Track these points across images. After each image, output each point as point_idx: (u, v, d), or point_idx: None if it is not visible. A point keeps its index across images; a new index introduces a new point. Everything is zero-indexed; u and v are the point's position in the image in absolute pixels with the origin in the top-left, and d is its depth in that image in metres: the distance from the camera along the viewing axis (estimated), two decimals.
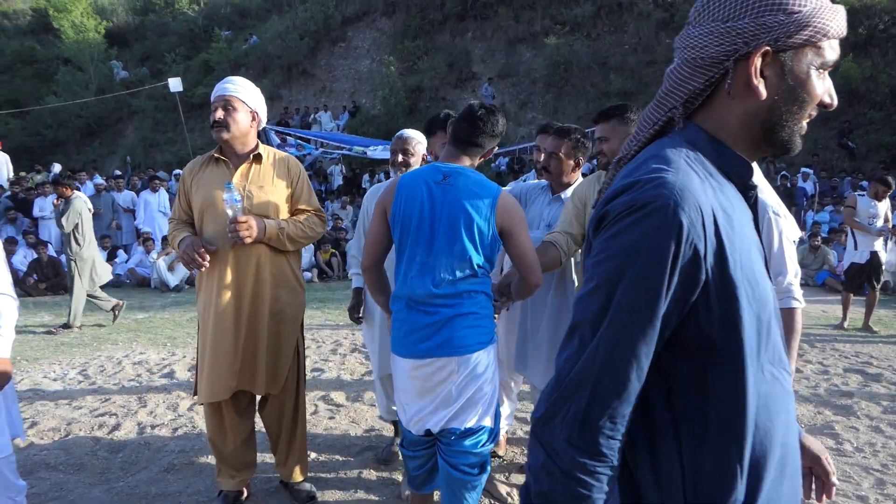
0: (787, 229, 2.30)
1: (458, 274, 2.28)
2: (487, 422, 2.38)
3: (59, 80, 25.93)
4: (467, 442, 2.34)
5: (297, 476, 3.14)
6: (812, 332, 6.96)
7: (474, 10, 22.12)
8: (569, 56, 19.92)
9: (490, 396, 2.37)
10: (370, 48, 23.81)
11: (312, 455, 3.58)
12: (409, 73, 21.95)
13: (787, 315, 2.25)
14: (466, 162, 2.41)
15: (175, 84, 13.69)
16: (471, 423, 2.33)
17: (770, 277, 2.14)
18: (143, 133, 25.19)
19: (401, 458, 3.40)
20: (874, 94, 16.33)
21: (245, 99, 2.83)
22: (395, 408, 3.62)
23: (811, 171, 14.50)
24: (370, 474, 3.43)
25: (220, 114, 2.78)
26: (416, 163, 3.18)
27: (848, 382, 5.13)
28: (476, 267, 2.30)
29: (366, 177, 17.66)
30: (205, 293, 2.86)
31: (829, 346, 6.34)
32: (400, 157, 3.18)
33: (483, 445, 2.38)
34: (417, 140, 3.21)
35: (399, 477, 3.33)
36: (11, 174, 14.16)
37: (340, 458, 3.63)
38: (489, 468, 2.44)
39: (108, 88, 25.53)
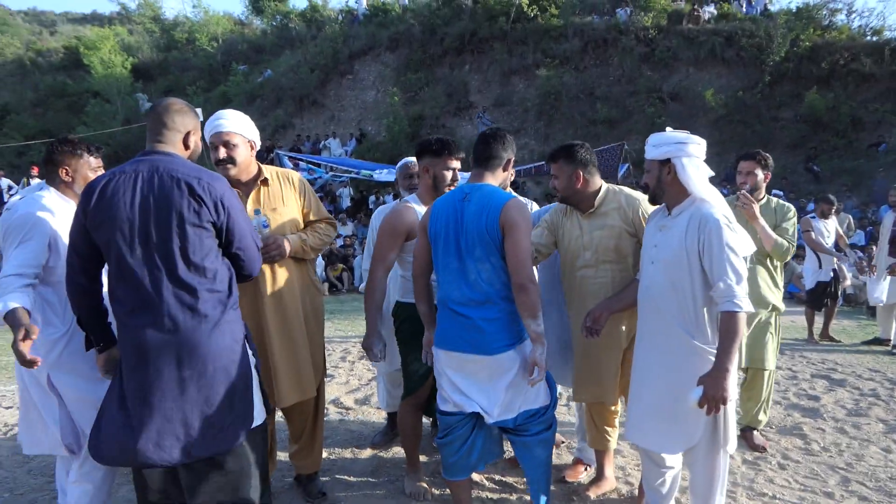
0: (734, 241, 2.33)
1: (485, 275, 2.45)
2: (541, 402, 2.57)
3: (89, 111, 26.06)
4: (526, 421, 2.55)
5: (313, 467, 3.16)
6: (781, 341, 6.98)
7: (471, 44, 22.31)
8: (559, 87, 20.07)
9: (530, 386, 2.49)
10: (375, 80, 23.99)
11: (324, 455, 3.60)
12: (411, 103, 22.10)
13: (728, 318, 2.27)
14: (488, 177, 2.59)
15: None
16: (525, 407, 2.53)
17: (711, 280, 2.28)
18: None
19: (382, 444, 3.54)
20: (837, 122, 16.51)
21: (240, 131, 2.75)
22: (395, 400, 3.78)
23: (781, 193, 14.59)
24: (378, 473, 3.46)
25: (222, 153, 2.72)
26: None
27: (815, 387, 5.16)
28: (494, 266, 2.46)
29: (372, 198, 17.74)
30: (247, 308, 2.80)
31: (798, 354, 6.38)
32: (415, 181, 3.49)
33: (543, 416, 2.59)
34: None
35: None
36: None
37: (350, 458, 3.67)
38: (555, 425, 2.66)
39: (134, 119, 25.64)
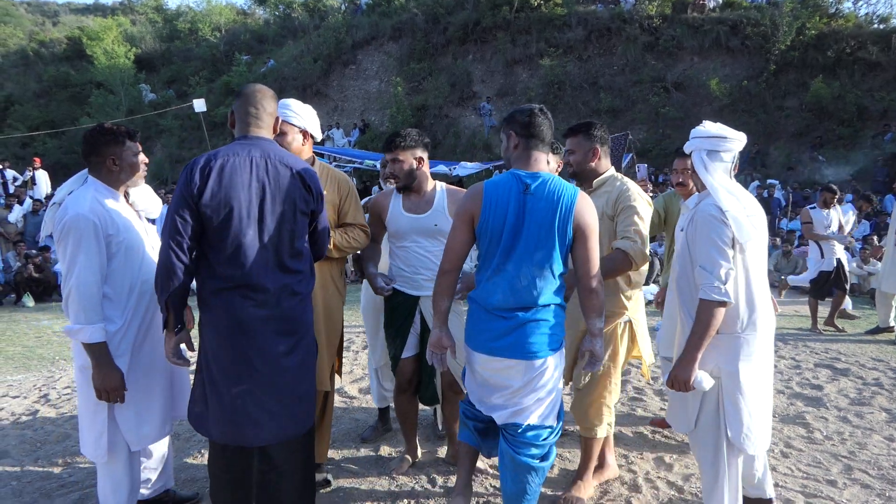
0: (720, 233, 2.30)
1: (539, 283, 2.23)
2: (550, 421, 2.37)
3: (93, 102, 26.09)
4: (530, 434, 2.33)
5: (319, 458, 3.16)
6: (785, 331, 6.99)
7: (475, 34, 22.22)
8: (562, 76, 20.01)
9: (555, 399, 2.36)
10: (379, 70, 23.93)
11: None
12: (414, 93, 22.05)
13: (701, 305, 2.32)
14: (544, 161, 2.32)
15: (199, 105, 13.74)
16: (534, 421, 2.32)
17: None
18: (169, 150, 25.33)
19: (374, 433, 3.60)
20: (842, 111, 16.41)
21: (294, 122, 2.84)
22: (387, 394, 3.82)
23: (776, 183, 14.57)
24: (381, 461, 3.47)
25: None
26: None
27: (818, 376, 5.15)
28: (556, 275, 2.26)
29: (375, 188, 17.73)
30: None
31: (801, 344, 6.37)
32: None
33: (545, 439, 2.35)
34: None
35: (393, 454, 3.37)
36: (49, 189, 14.28)
37: (353, 445, 3.68)
38: (552, 457, 2.43)
39: (138, 109, 25.69)
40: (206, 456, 3.21)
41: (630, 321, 2.93)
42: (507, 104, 20.95)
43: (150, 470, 2.84)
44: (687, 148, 2.60)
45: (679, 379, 2.34)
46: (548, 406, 2.33)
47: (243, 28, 31.13)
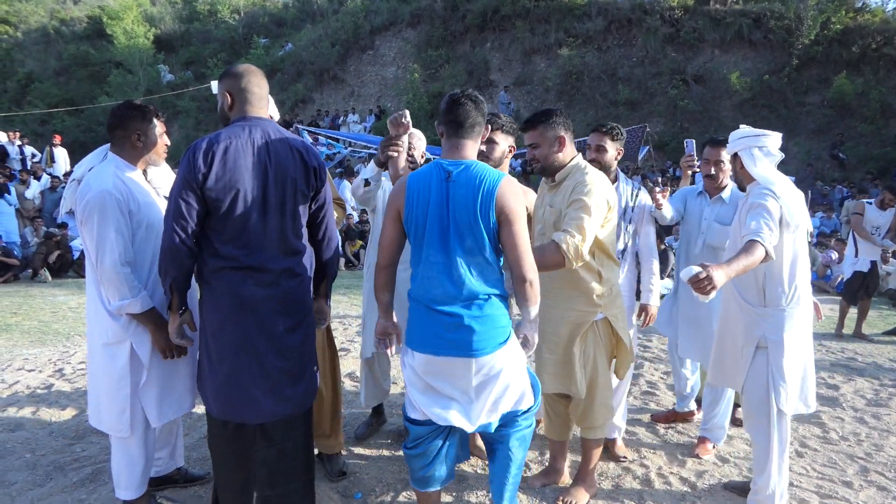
0: (772, 206, 2.56)
1: (474, 271, 2.15)
2: (523, 405, 2.30)
3: (111, 81, 26.21)
4: (510, 420, 2.31)
5: (336, 447, 3.11)
6: None
7: (493, 22, 22.00)
8: (580, 67, 19.78)
9: (517, 387, 2.26)
10: (396, 56, 23.80)
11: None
12: (431, 80, 21.91)
13: (749, 244, 2.46)
14: (470, 147, 2.25)
15: (216, 87, 13.78)
16: (508, 410, 2.27)
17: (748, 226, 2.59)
18: (186, 131, 25.40)
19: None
20: (865, 108, 16.09)
21: None
22: (381, 390, 3.61)
23: (793, 179, 14.35)
24: (392, 447, 3.46)
25: None
26: (418, 156, 3.23)
27: (834, 376, 5.08)
28: (488, 260, 2.17)
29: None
30: None
31: (817, 343, 6.27)
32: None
33: (525, 416, 2.34)
34: (418, 136, 3.27)
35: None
36: (68, 167, 14.38)
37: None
38: (534, 424, 2.42)
39: (156, 90, 25.78)
40: None
41: (608, 318, 2.77)
42: (525, 94, 20.78)
43: (159, 448, 2.84)
44: (731, 148, 2.82)
45: (707, 277, 2.20)
46: (512, 396, 2.26)
47: (262, 11, 31.05)
